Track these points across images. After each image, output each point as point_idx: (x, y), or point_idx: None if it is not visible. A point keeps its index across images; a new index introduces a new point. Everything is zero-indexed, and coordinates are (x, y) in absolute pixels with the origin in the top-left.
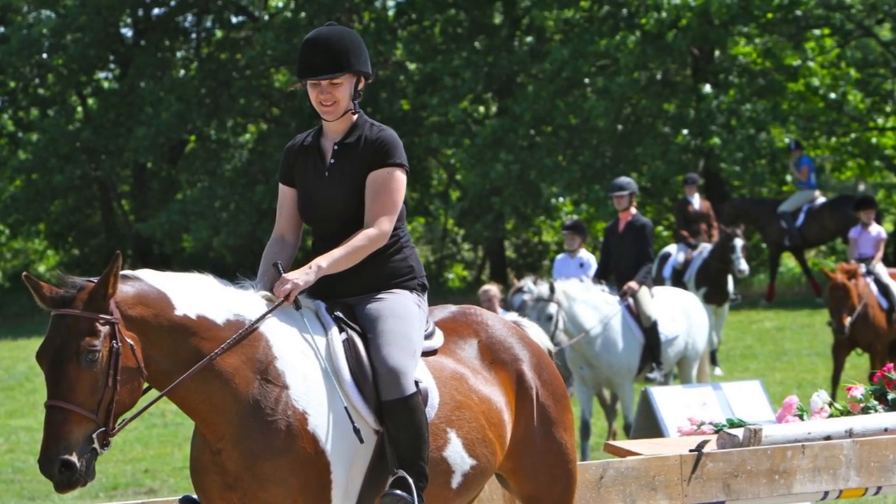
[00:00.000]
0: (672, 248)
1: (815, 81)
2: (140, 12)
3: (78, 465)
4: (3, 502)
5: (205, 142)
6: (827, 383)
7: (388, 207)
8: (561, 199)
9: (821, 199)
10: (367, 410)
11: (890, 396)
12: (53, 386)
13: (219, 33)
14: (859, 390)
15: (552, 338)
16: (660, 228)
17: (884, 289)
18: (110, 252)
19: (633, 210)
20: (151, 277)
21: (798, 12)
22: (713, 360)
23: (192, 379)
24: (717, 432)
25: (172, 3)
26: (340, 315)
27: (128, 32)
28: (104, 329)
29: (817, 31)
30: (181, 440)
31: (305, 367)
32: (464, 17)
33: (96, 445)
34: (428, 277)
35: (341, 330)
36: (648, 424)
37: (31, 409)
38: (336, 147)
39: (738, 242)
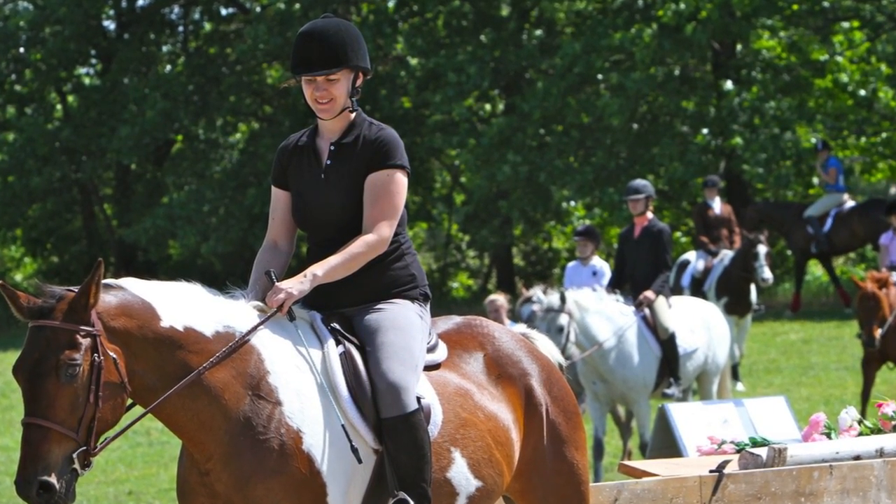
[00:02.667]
0: (691, 256)
1: (844, 77)
2: (123, 4)
3: (57, 486)
4: None
5: (192, 142)
6: (856, 399)
7: (388, 212)
8: (572, 203)
9: (850, 203)
10: (365, 428)
11: None
12: (31, 402)
13: (207, 26)
14: (891, 407)
15: (563, 351)
16: (678, 234)
17: None
18: (91, 259)
19: (650, 215)
20: (135, 287)
21: (825, 4)
22: (735, 375)
23: (178, 395)
24: (738, 452)
25: None
26: (337, 327)
27: (110, 25)
28: (85, 342)
29: (846, 24)
30: (167, 460)
31: (300, 383)
32: (469, 9)
33: (77, 465)
34: (431, 286)
35: (338, 342)
36: (666, 443)
37: (8, 426)
38: (332, 147)
39: (762, 249)
